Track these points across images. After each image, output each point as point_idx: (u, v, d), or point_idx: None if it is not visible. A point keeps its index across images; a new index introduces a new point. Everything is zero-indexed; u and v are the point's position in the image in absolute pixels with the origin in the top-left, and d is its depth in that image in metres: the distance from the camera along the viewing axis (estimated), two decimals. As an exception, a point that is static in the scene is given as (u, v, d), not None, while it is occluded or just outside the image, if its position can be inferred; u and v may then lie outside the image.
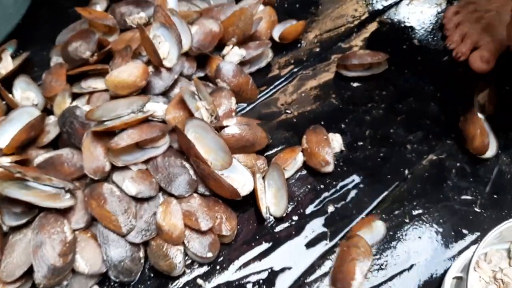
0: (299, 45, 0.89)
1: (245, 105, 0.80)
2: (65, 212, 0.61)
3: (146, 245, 0.63)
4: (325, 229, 0.68)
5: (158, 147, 0.66)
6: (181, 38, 0.73)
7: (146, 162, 0.65)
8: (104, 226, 0.60)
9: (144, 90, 0.70)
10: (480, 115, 0.76)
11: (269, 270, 0.64)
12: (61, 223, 0.59)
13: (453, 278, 0.57)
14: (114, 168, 0.64)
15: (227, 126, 0.69)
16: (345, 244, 0.64)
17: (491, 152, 0.74)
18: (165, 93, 0.73)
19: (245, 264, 0.64)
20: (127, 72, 0.67)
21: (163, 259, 0.61)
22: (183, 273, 0.63)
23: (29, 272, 0.58)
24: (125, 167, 0.64)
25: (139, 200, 0.63)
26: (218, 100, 0.72)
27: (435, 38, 0.91)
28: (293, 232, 0.67)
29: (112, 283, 0.62)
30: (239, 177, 0.67)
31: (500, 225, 0.57)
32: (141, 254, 0.62)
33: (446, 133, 0.78)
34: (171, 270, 0.61)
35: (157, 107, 0.68)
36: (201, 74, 0.78)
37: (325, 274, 0.64)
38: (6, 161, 0.64)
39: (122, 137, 0.62)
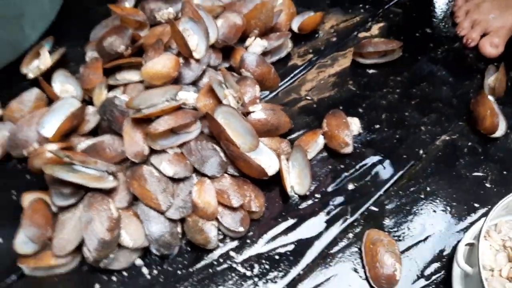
0: (317, 35, 0.94)
1: (268, 93, 0.85)
2: (109, 193, 0.67)
3: (183, 221, 0.68)
4: (346, 206, 0.73)
5: (191, 132, 0.71)
6: (208, 31, 0.78)
7: (180, 146, 0.71)
8: (145, 204, 0.66)
9: (176, 80, 0.76)
10: (490, 97, 0.81)
11: (296, 243, 0.69)
12: (107, 202, 0.65)
13: (466, 245, 0.61)
14: (152, 152, 0.70)
15: (253, 112, 0.74)
16: (368, 243, 0.68)
17: (500, 131, 0.79)
18: (195, 83, 0.78)
19: (273, 238, 0.70)
20: (161, 63, 0.73)
21: (199, 233, 0.67)
22: (217, 247, 0.69)
23: (78, 248, 0.64)
24: (162, 151, 0.69)
25: (175, 180, 0.69)
26: (243, 88, 0.78)
27: (446, 26, 0.96)
28: (316, 209, 0.73)
29: (153, 256, 0.68)
30: (265, 159, 0.72)
31: (508, 196, 0.62)
32: (179, 229, 0.68)
33: (458, 115, 0.82)
34: (206, 244, 0.67)
35: (188, 96, 0.74)
36: (226, 65, 0.84)
37: (347, 246, 0.69)
38: (53, 147, 0.70)
39: (160, 123, 0.68)
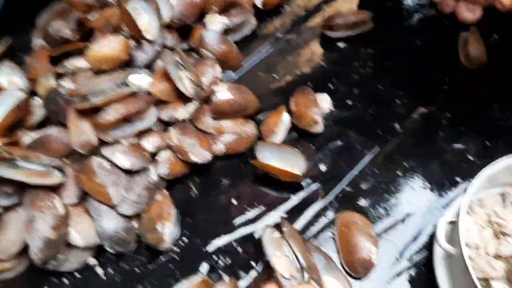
0: (283, 10, 0.88)
1: (232, 73, 0.79)
2: (56, 188, 0.61)
3: (139, 217, 0.63)
4: (318, 189, 0.68)
5: (146, 119, 0.66)
6: (161, 9, 0.72)
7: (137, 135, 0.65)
8: (96, 199, 0.61)
9: (128, 64, 0.70)
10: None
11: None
12: (51, 198, 0.59)
13: (447, 223, 0.56)
14: (104, 143, 0.64)
15: (217, 92, 0.69)
16: (342, 226, 0.63)
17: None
18: (149, 66, 0.72)
19: (243, 224, 0.65)
20: (108, 46, 0.67)
21: (151, 232, 0.61)
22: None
23: (25, 250, 0.59)
24: (115, 142, 0.64)
25: (130, 173, 0.64)
26: (203, 69, 0.72)
27: (419, -7, 0.90)
28: (287, 193, 0.67)
29: (107, 255, 0.62)
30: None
31: (487, 166, 0.57)
32: (135, 224, 0.62)
33: (436, 86, 0.77)
34: (159, 244, 0.61)
35: (141, 80, 0.68)
36: (185, 46, 0.78)
37: (320, 231, 0.64)
38: (-5, 144, 0.64)
39: (109, 112, 0.62)
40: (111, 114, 0.61)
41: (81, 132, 0.62)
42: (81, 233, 0.60)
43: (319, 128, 0.71)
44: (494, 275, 0.54)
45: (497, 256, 0.56)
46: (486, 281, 0.55)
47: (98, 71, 0.68)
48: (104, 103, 0.62)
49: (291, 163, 0.66)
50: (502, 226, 0.58)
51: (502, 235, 0.58)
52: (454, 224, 0.57)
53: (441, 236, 0.54)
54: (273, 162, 0.67)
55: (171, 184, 0.68)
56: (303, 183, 0.68)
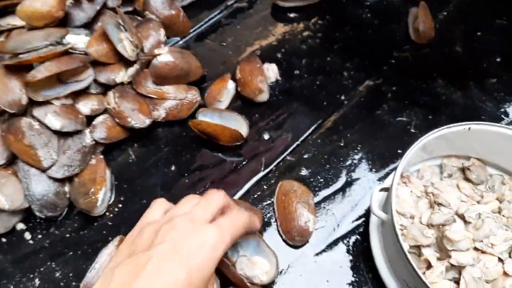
0: (234, -23, 0.86)
1: (178, 39, 0.77)
2: (-18, 150, 0.58)
3: (70, 181, 0.60)
4: (260, 157, 0.66)
5: (82, 80, 0.63)
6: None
7: (68, 96, 0.62)
8: (24, 161, 0.58)
9: (65, 23, 0.67)
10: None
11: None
12: (-25, 158, 0.56)
13: (380, 190, 0.56)
14: (34, 104, 0.61)
15: (158, 55, 0.66)
16: (280, 194, 0.62)
17: (426, 73, 0.74)
18: (88, 26, 0.69)
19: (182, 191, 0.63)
20: (40, 1, 0.63)
21: (82, 196, 0.59)
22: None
23: None
24: (47, 102, 0.61)
25: (62, 135, 0.61)
26: (146, 32, 0.69)
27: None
28: (227, 161, 0.66)
29: (38, 220, 0.60)
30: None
31: (424, 136, 0.57)
32: (66, 189, 0.60)
33: (383, 60, 0.77)
34: (91, 209, 0.59)
35: (78, 40, 0.65)
36: (129, 8, 0.75)
37: (260, 199, 0.63)
38: None
39: (39, 70, 0.59)
40: (41, 72, 0.58)
41: (9, 91, 0.59)
42: (8, 196, 0.57)
43: (264, 97, 0.70)
44: (425, 242, 0.54)
45: (430, 225, 0.56)
46: (417, 248, 0.55)
47: (31, 28, 0.64)
48: (34, 60, 0.59)
49: (233, 125, 0.65)
50: (437, 196, 0.58)
51: (436, 205, 0.58)
52: (388, 191, 0.57)
53: (374, 203, 0.54)
54: (214, 122, 0.65)
55: (108, 149, 0.65)
56: (244, 151, 0.67)
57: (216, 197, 0.47)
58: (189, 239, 0.41)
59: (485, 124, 0.58)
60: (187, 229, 0.41)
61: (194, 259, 0.39)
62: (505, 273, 0.52)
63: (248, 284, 0.51)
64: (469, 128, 0.58)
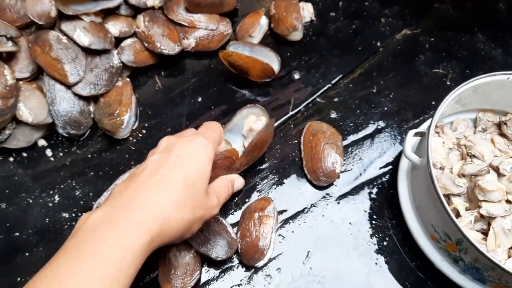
0: None
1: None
2: (8, 60, 0.56)
3: (96, 101, 0.59)
4: (289, 96, 0.65)
5: (113, -1, 0.61)
6: None
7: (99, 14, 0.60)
8: (50, 75, 0.56)
9: None
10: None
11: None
12: (0, 67, 0.54)
13: (415, 135, 0.54)
14: (64, 18, 0.59)
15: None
16: (308, 135, 0.61)
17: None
18: None
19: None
20: None
21: (107, 117, 0.57)
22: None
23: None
24: (76, 17, 0.59)
25: (90, 52, 0.59)
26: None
27: None
28: (253, 98, 0.64)
29: (60, 138, 0.59)
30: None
31: (462, 85, 0.54)
32: (91, 108, 0.58)
33: (423, 10, 0.73)
34: (115, 131, 0.58)
35: (111, -43, 0.62)
36: None
37: (287, 138, 0.61)
38: None
39: (70, -18, 0.57)
40: (72, -17, 0.56)
41: (38, 1, 0.56)
42: (31, 109, 0.55)
43: (297, 35, 0.67)
44: (456, 191, 0.53)
45: (461, 175, 0.55)
46: (446, 197, 0.54)
47: None
48: (67, -29, 0.56)
49: (264, 60, 0.62)
50: (471, 148, 0.56)
51: (469, 157, 0.56)
52: (422, 137, 0.55)
53: (408, 146, 0.53)
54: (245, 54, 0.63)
55: (135, 74, 0.64)
56: (272, 89, 0.64)
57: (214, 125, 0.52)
58: (185, 149, 0.45)
59: (529, 74, 0.55)
60: (183, 144, 0.46)
61: (192, 161, 0.44)
62: (537, 227, 0.51)
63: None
64: (508, 78, 0.55)
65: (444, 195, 0.54)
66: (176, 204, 0.41)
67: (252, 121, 0.59)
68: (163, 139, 0.48)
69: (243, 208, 0.56)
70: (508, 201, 0.52)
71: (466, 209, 0.53)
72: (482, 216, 0.51)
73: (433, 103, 0.65)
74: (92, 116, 0.58)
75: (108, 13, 0.62)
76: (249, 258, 0.52)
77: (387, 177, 0.60)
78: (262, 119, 0.59)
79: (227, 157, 0.52)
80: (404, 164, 0.57)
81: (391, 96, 0.65)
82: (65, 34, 0.58)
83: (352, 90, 0.65)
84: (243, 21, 0.67)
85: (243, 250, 0.53)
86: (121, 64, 0.61)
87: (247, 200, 0.57)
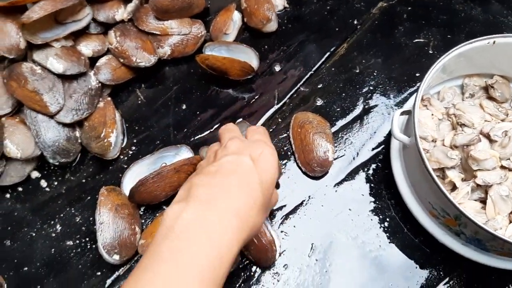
0: None
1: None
2: (-14, 99, 0.56)
3: (80, 126, 0.59)
4: (272, 90, 0.64)
5: (80, 20, 0.60)
6: None
7: (68, 37, 0.59)
8: (30, 108, 0.56)
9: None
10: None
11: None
12: (-20, 107, 0.54)
13: (401, 114, 0.54)
14: (34, 48, 0.58)
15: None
16: (296, 127, 0.60)
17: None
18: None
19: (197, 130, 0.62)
20: None
21: (95, 140, 0.57)
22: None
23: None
24: (46, 45, 0.58)
25: (67, 78, 0.58)
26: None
27: None
28: (234, 96, 0.64)
29: (52, 167, 0.59)
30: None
31: (445, 55, 0.53)
32: (77, 133, 0.58)
33: (397, -22, 0.72)
34: (105, 152, 0.58)
35: (72, -24, 0.61)
36: None
37: (276, 133, 0.61)
38: None
39: (34, 10, 0.55)
40: (36, 12, 0.55)
41: (5, 35, 0.56)
42: (18, 144, 0.55)
43: (272, 26, 0.66)
44: (449, 164, 0.53)
45: (453, 147, 0.55)
46: (441, 171, 0.54)
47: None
48: (28, 1, 0.55)
49: (242, 58, 0.62)
50: (460, 117, 0.56)
51: (459, 126, 0.56)
52: (409, 114, 0.55)
53: (395, 127, 0.52)
54: (222, 55, 0.62)
55: (116, 92, 0.63)
56: (255, 85, 0.64)
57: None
58: (258, 154, 0.45)
59: (512, 36, 0.54)
60: (255, 149, 0.46)
61: (267, 167, 0.45)
62: (534, 190, 0.51)
63: None
64: (494, 42, 0.54)
65: (438, 168, 0.55)
66: (258, 210, 0.43)
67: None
68: (231, 142, 0.47)
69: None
70: (502, 167, 0.52)
71: (462, 180, 0.53)
72: (479, 185, 0.52)
73: (418, 74, 0.65)
74: (79, 141, 0.58)
75: (78, 34, 0.61)
76: (264, 261, 0.53)
77: (380, 157, 0.60)
78: None
79: None
80: (395, 144, 0.57)
81: (374, 74, 0.65)
82: (38, 64, 0.57)
83: (334, 74, 0.65)
84: (216, 20, 0.66)
85: (255, 256, 0.53)
86: (100, 85, 0.60)
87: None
